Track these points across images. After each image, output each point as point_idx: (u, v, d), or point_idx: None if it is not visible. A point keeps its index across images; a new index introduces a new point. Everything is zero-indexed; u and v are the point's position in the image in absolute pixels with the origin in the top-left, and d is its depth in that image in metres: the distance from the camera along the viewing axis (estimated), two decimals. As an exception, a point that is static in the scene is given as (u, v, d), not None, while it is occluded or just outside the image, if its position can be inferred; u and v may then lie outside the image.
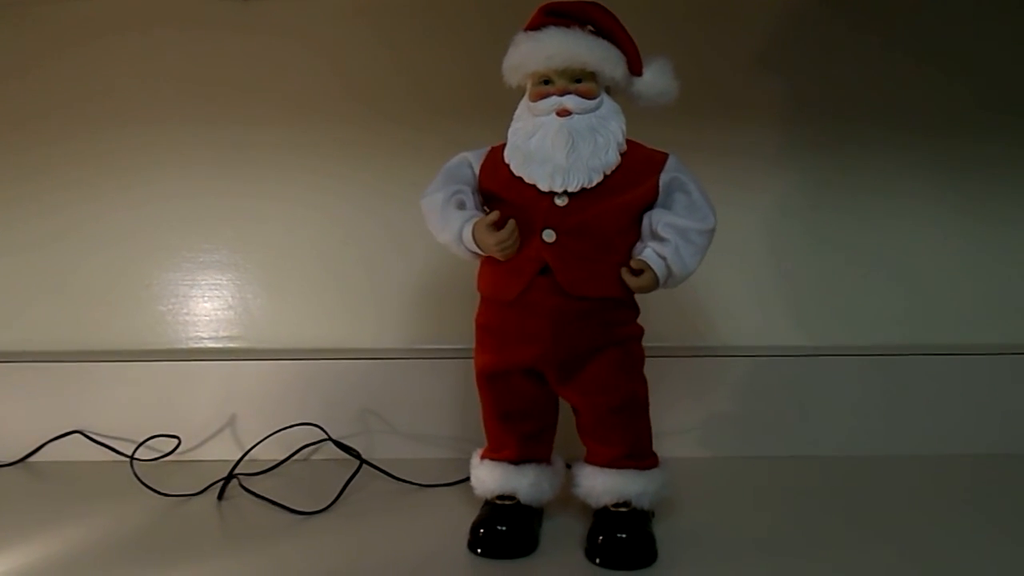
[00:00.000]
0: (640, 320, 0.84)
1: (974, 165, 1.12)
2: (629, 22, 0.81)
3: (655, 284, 0.79)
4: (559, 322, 0.79)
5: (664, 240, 0.78)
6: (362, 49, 1.12)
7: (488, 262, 0.83)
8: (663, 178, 0.80)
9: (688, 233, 0.78)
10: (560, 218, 0.77)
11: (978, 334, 1.12)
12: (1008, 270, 1.13)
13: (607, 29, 0.79)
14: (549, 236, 0.78)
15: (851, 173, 1.12)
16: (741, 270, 1.12)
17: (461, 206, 0.81)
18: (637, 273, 0.78)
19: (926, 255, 1.13)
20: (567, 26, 0.78)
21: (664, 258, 0.78)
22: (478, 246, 0.79)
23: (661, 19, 1.09)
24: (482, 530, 0.81)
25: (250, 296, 1.14)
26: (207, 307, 1.14)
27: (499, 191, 0.80)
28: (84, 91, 1.13)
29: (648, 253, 0.79)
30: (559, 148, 0.76)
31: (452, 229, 0.80)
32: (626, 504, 0.82)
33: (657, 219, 0.79)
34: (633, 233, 0.81)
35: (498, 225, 0.77)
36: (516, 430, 0.85)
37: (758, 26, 1.12)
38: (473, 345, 0.86)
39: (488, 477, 0.85)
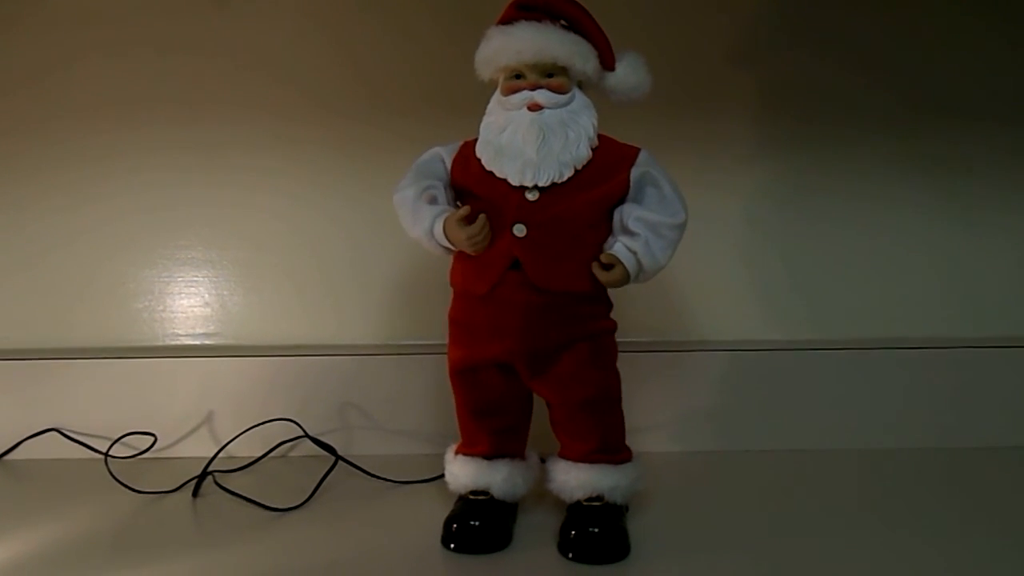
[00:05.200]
0: (614, 315, 0.84)
1: (945, 163, 1.13)
2: (604, 16, 0.81)
3: (625, 278, 0.79)
4: (530, 316, 0.79)
5: (635, 234, 0.78)
6: (334, 49, 1.12)
7: (460, 257, 0.83)
8: (634, 172, 0.80)
9: (659, 227, 0.78)
10: (531, 213, 0.78)
11: (950, 328, 1.12)
12: (980, 265, 1.13)
13: (579, 23, 0.79)
14: (520, 231, 0.78)
15: (826, 169, 1.13)
16: (716, 265, 1.12)
17: (433, 201, 0.81)
18: (607, 267, 0.78)
19: (900, 250, 1.13)
20: (539, 20, 0.78)
21: (634, 252, 0.78)
22: (449, 241, 0.79)
23: (635, 14, 1.09)
24: (455, 525, 0.81)
25: (226, 293, 1.13)
26: (183, 304, 1.13)
27: (471, 186, 0.80)
28: (56, 90, 1.12)
29: (618, 247, 0.79)
30: (530, 142, 0.76)
31: (423, 224, 0.80)
32: (599, 498, 0.82)
33: (628, 213, 0.79)
34: (604, 228, 0.81)
35: (469, 220, 0.77)
36: (488, 425, 0.85)
37: (733, 22, 1.12)
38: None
39: (462, 472, 0.85)
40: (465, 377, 0.84)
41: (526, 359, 0.81)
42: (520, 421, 0.87)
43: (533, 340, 0.80)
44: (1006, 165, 1.13)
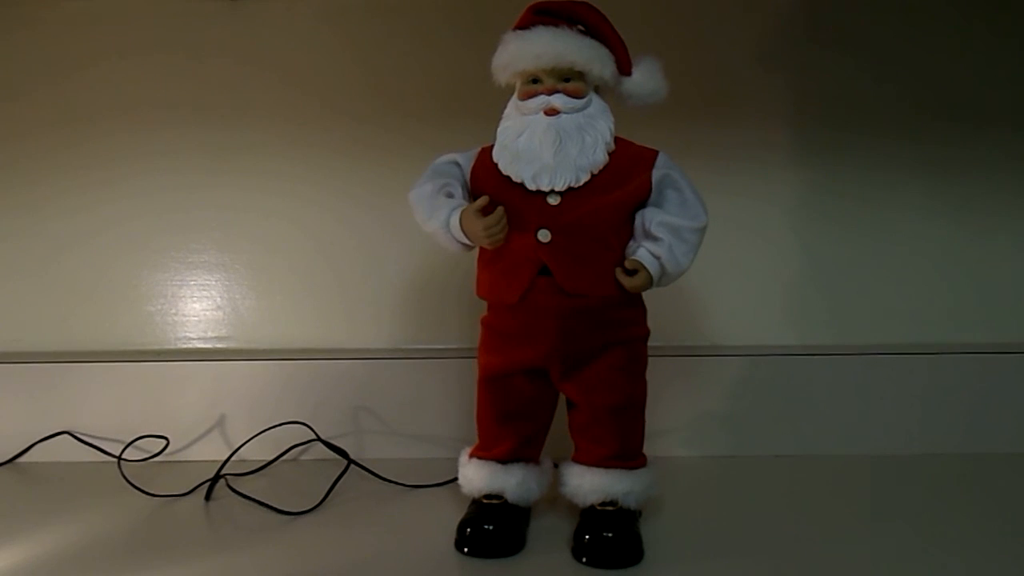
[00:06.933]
0: (638, 320, 0.85)
1: (959, 168, 1.13)
2: (624, 20, 0.81)
3: (649, 284, 0.79)
4: (565, 320, 0.79)
5: (658, 239, 0.78)
6: (348, 52, 1.13)
7: (484, 267, 0.83)
8: (655, 175, 0.80)
9: (681, 231, 0.78)
10: (554, 217, 0.77)
11: (968, 333, 1.12)
12: (997, 270, 1.13)
13: (596, 28, 0.79)
14: (544, 236, 0.78)
15: (843, 174, 1.13)
16: (731, 269, 1.12)
17: (450, 197, 0.81)
18: (631, 273, 0.78)
19: (917, 255, 1.13)
20: (556, 25, 0.78)
21: (658, 257, 0.78)
22: (465, 234, 0.79)
23: (655, 17, 1.09)
24: (469, 529, 0.81)
25: (238, 296, 1.14)
26: (195, 307, 1.14)
27: (492, 192, 0.80)
28: (69, 93, 1.13)
29: (642, 253, 0.79)
30: (546, 147, 0.76)
31: (440, 217, 0.80)
32: (613, 503, 0.82)
33: (650, 218, 0.79)
34: (627, 230, 0.80)
35: (486, 211, 0.77)
36: (512, 431, 0.85)
37: (753, 28, 1.12)
38: (464, 345, 0.86)
39: (476, 476, 0.85)
40: (496, 383, 0.84)
41: (560, 361, 0.81)
42: (543, 427, 0.87)
43: (568, 343, 0.80)
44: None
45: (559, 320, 0.79)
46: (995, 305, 1.13)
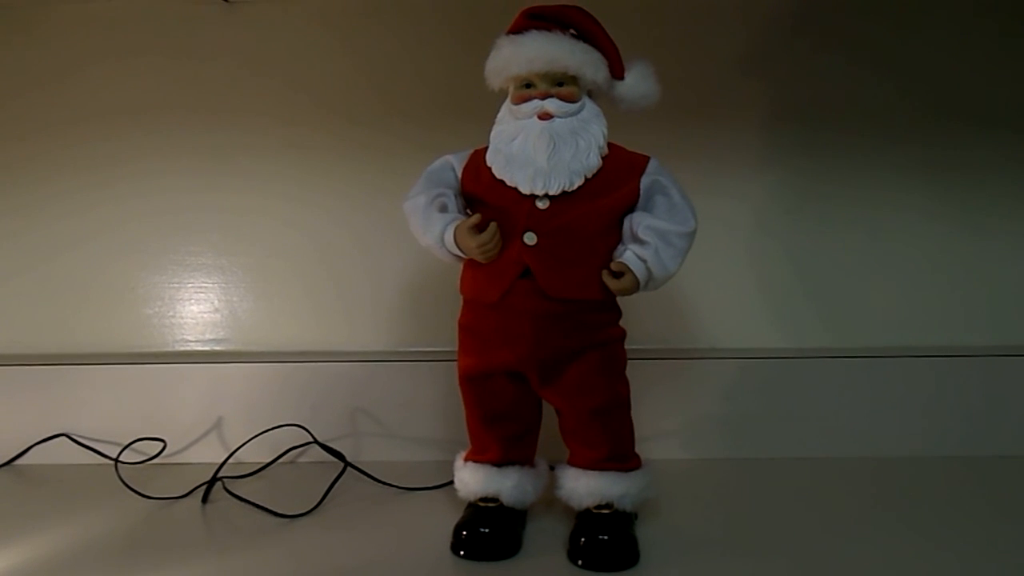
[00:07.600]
0: (623, 322, 0.84)
1: (956, 169, 1.13)
2: (614, 23, 0.81)
3: (635, 287, 0.79)
4: (540, 324, 0.79)
5: (644, 243, 0.78)
6: (344, 55, 1.13)
7: (470, 264, 0.83)
8: (644, 181, 0.80)
9: (668, 236, 0.78)
10: (541, 221, 0.78)
11: (959, 336, 1.12)
12: (990, 272, 1.13)
13: (589, 33, 0.79)
14: (530, 239, 0.78)
15: (836, 176, 1.12)
16: (725, 271, 1.12)
17: (443, 209, 0.82)
18: (617, 276, 0.78)
19: (910, 258, 1.13)
20: (549, 30, 0.78)
21: (644, 261, 0.78)
22: (460, 249, 0.79)
23: (646, 21, 1.10)
24: (465, 532, 0.81)
25: (236, 299, 1.14)
26: (193, 310, 1.14)
27: (481, 194, 0.80)
28: (67, 95, 1.13)
29: (628, 256, 0.79)
30: (540, 151, 0.76)
31: (434, 232, 0.80)
32: (608, 506, 0.82)
33: (638, 222, 0.79)
34: (614, 236, 0.81)
35: (480, 228, 0.77)
36: (499, 432, 0.85)
37: (743, 30, 1.12)
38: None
39: (471, 479, 0.85)
40: (475, 384, 0.84)
41: (537, 367, 0.81)
42: (530, 428, 0.87)
43: (543, 348, 0.80)
44: (1017, 171, 1.13)
45: (535, 323, 0.79)
46: (993, 308, 1.13)
